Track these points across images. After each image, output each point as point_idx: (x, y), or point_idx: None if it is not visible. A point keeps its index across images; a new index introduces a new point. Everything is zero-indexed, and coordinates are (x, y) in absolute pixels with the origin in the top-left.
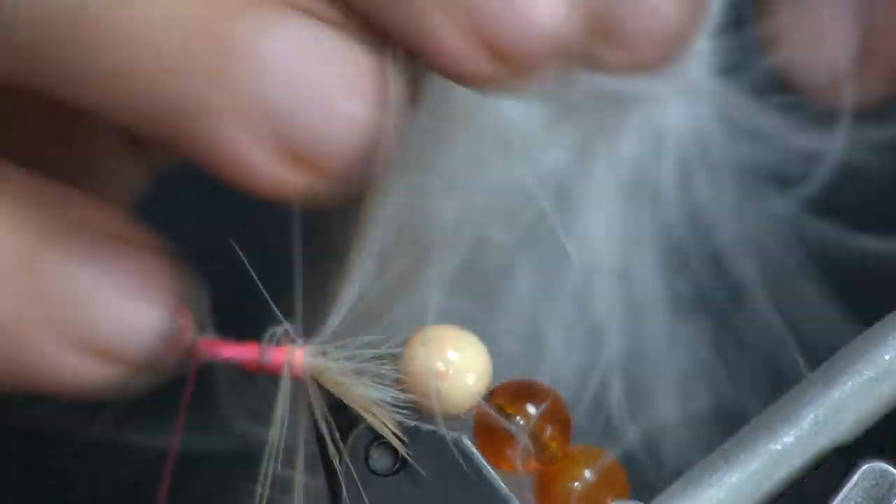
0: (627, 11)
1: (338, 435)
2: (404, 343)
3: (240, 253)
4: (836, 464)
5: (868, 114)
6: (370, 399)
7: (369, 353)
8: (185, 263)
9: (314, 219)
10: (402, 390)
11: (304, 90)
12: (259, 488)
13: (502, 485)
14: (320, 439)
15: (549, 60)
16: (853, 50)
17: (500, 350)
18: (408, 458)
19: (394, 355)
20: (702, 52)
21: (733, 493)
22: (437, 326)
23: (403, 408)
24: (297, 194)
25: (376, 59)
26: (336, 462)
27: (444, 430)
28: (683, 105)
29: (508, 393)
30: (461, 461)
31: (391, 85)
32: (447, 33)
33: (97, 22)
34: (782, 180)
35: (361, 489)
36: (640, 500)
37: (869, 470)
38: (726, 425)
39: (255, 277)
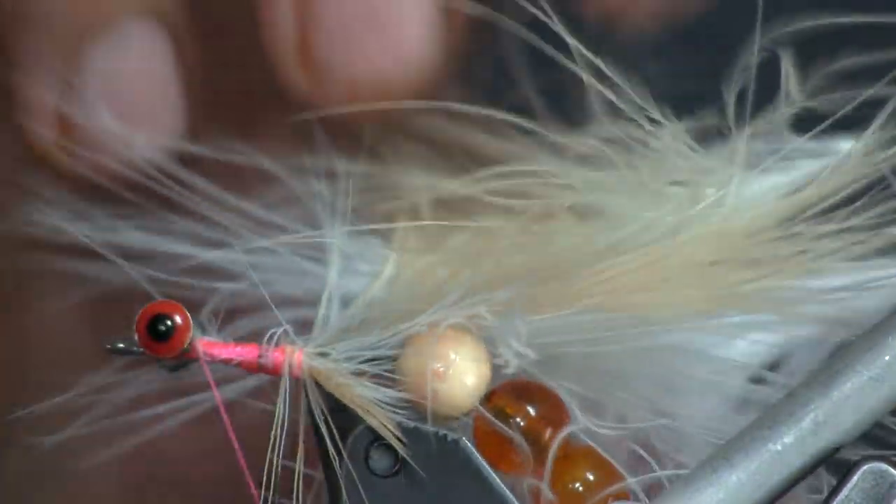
0: None
1: (337, 436)
2: (404, 344)
3: (240, 253)
4: (835, 464)
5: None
6: (370, 400)
7: (369, 354)
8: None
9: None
10: (402, 391)
11: None
12: (260, 488)
13: (502, 485)
14: (320, 440)
15: None
16: None
17: None
18: (407, 458)
19: (393, 356)
20: None
21: (733, 492)
22: (436, 327)
23: (403, 409)
24: None
25: None
26: (336, 463)
27: (443, 431)
28: None
29: (508, 394)
30: (461, 462)
31: None
32: None
33: None
34: None
35: (361, 490)
36: (640, 500)
37: (869, 470)
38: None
39: (255, 278)
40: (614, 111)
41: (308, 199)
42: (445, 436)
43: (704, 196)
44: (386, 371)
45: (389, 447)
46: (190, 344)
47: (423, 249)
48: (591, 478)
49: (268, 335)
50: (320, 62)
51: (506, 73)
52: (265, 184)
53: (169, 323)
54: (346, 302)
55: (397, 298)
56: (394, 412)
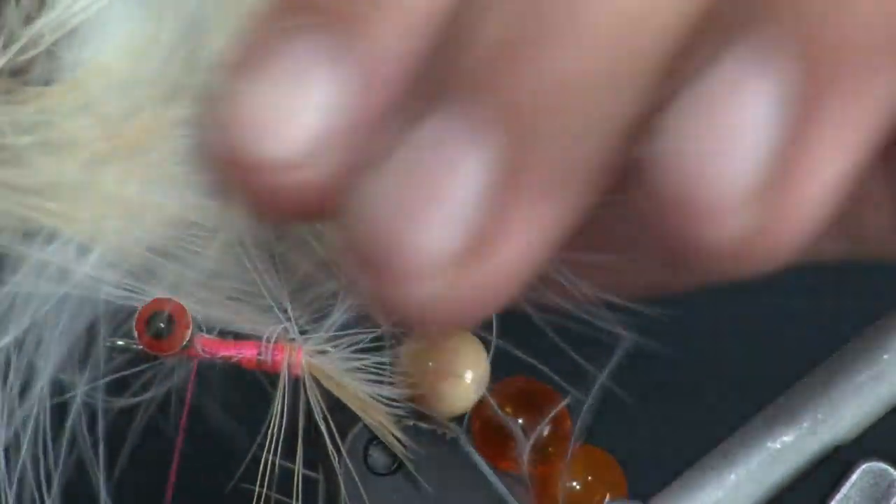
0: None
1: (336, 434)
2: (403, 342)
3: (241, 253)
4: (835, 463)
5: None
6: (368, 398)
7: (368, 352)
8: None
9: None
10: (401, 389)
11: None
12: (258, 487)
13: (501, 484)
14: (319, 438)
15: None
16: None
17: None
18: (406, 457)
19: (393, 354)
20: None
21: (732, 491)
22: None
23: (402, 407)
24: None
25: None
26: (335, 461)
27: (442, 430)
28: None
29: (507, 392)
30: (460, 461)
31: None
32: None
33: None
34: None
35: (360, 488)
36: (640, 499)
37: (868, 469)
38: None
39: (256, 276)
40: None
41: None
42: (444, 434)
43: None
44: (385, 369)
45: (389, 445)
46: (189, 341)
47: None
48: (590, 477)
49: (267, 333)
50: None
51: None
52: None
53: (168, 320)
54: (346, 300)
55: None
56: (392, 411)
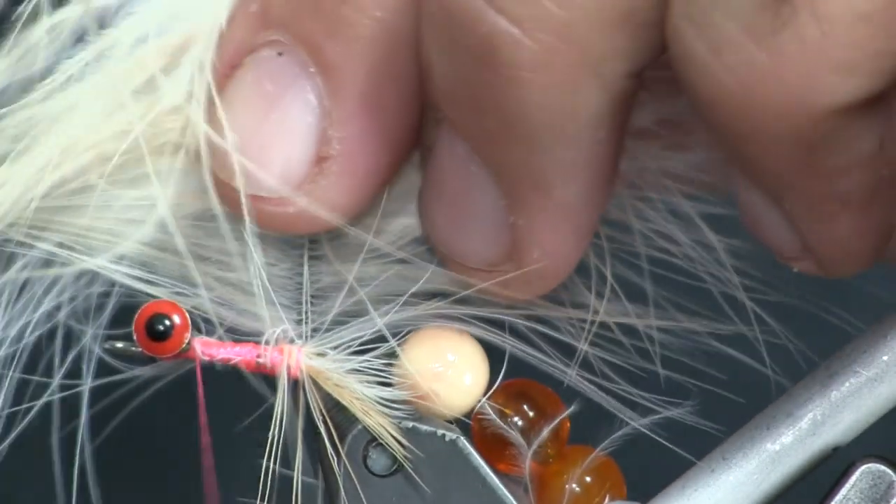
0: None
1: (335, 435)
2: (402, 344)
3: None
4: (834, 464)
5: None
6: (368, 400)
7: (367, 354)
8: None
9: None
10: (401, 391)
11: None
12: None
13: (500, 485)
14: (318, 439)
15: None
16: (791, 242)
17: None
18: (405, 459)
19: (392, 357)
20: None
21: (731, 492)
22: (435, 328)
23: (401, 409)
24: None
25: None
26: (334, 462)
27: (441, 431)
28: None
29: (506, 394)
30: (459, 461)
31: None
32: None
33: None
34: None
35: (359, 489)
36: (638, 500)
37: (867, 470)
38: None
39: (256, 276)
40: None
41: None
42: (444, 435)
43: None
44: (384, 371)
45: (388, 447)
46: (188, 343)
47: None
48: (589, 478)
49: (266, 335)
50: None
51: None
52: None
53: (167, 322)
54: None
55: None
56: (392, 412)
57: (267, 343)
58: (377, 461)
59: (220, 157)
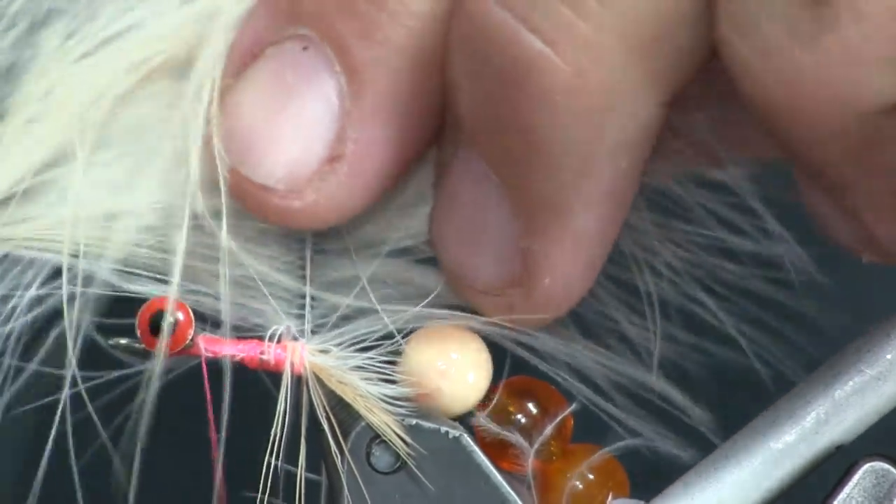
0: None
1: (339, 432)
2: (406, 342)
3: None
4: (837, 462)
5: None
6: (371, 397)
7: (371, 351)
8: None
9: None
10: (404, 388)
11: None
12: (261, 485)
13: (503, 482)
14: (321, 436)
15: None
16: (858, 235)
17: None
18: (408, 456)
19: (395, 354)
20: None
21: (735, 491)
22: (438, 326)
23: (405, 406)
24: None
25: None
26: (337, 459)
27: (445, 428)
28: None
29: (509, 391)
30: (462, 459)
31: None
32: None
33: None
34: None
35: (363, 487)
36: (641, 497)
37: (870, 469)
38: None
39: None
40: None
41: None
42: (447, 433)
43: None
44: (388, 368)
45: (391, 444)
46: (192, 340)
47: None
48: (592, 476)
49: (269, 331)
50: None
51: None
52: None
53: (171, 319)
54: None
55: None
56: (395, 409)
57: (270, 340)
58: (380, 458)
59: (228, 142)
